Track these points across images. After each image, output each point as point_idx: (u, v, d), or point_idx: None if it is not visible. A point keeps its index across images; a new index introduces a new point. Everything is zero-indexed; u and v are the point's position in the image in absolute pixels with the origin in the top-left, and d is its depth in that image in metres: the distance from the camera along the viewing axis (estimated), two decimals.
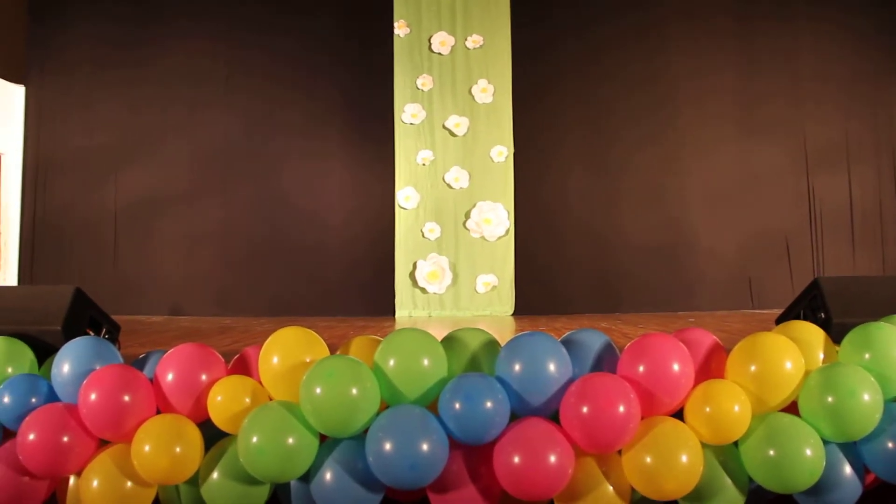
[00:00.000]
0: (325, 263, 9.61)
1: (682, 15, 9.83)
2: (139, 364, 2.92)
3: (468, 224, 9.68)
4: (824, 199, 9.58)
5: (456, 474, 2.59)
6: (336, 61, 9.81)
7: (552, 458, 2.48)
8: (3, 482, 2.75)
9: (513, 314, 9.52)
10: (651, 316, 8.42)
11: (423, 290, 9.62)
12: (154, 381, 2.77)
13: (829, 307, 3.12)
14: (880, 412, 2.57)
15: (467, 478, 2.59)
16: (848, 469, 2.64)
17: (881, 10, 9.70)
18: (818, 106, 9.67)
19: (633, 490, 2.60)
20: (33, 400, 2.81)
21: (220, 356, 2.86)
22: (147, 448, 2.61)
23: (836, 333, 2.85)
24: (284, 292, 9.54)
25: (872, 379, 2.59)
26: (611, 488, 2.59)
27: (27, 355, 2.99)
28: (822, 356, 2.75)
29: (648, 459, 2.52)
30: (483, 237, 9.67)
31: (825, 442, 2.58)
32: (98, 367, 2.76)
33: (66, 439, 2.67)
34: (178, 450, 2.62)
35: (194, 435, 2.69)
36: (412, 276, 9.63)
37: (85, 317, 3.24)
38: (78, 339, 2.92)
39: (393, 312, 9.55)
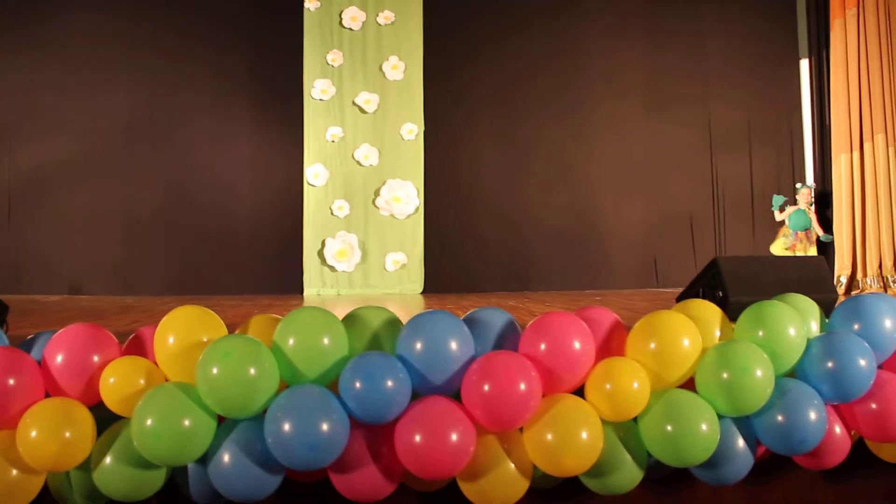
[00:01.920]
0: (233, 241, 9.42)
1: None
2: (26, 346, 2.79)
3: (378, 202, 9.62)
4: (727, 180, 9.85)
5: (357, 454, 2.56)
6: (244, 35, 9.58)
7: (454, 437, 2.47)
8: None
9: (422, 292, 9.53)
10: (558, 294, 8.53)
11: (332, 269, 9.53)
12: (42, 364, 2.65)
13: (726, 286, 3.20)
14: (771, 387, 2.65)
15: (369, 457, 2.57)
16: (741, 442, 2.71)
17: None
18: (723, 86, 9.91)
19: (535, 467, 2.62)
20: None
21: (114, 336, 2.76)
22: (34, 433, 2.49)
23: (733, 311, 2.91)
24: (190, 271, 9.32)
25: (765, 355, 2.66)
26: (512, 466, 2.61)
27: None
28: (718, 333, 2.81)
29: (549, 437, 2.53)
30: (392, 215, 9.63)
31: (719, 416, 2.65)
32: None
33: None
34: (67, 434, 2.51)
35: (85, 418, 2.58)
36: (321, 253, 9.54)
37: None
38: None
39: (301, 291, 9.45)
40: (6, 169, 9.16)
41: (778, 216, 9.15)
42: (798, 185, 9.22)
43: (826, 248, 8.90)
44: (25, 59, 9.32)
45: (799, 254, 8.89)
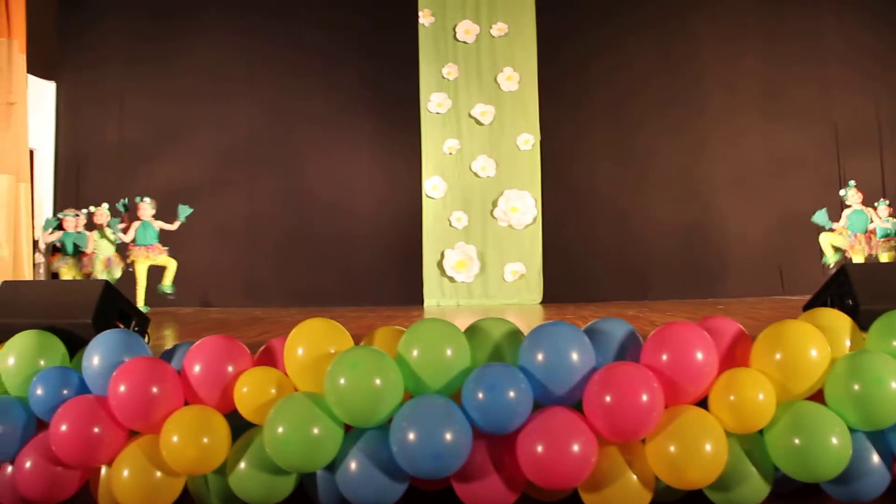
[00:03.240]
0: (354, 253, 9.64)
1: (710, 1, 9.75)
2: (167, 356, 2.96)
3: (495, 213, 9.67)
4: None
5: (480, 464, 2.60)
6: (361, 52, 9.83)
7: (575, 448, 2.48)
8: (36, 472, 2.80)
9: (541, 302, 9.51)
10: (679, 303, 8.38)
11: (451, 280, 9.64)
12: (182, 373, 2.81)
13: (856, 294, 3.08)
14: None
15: (491, 467, 2.60)
16: (875, 458, 2.61)
17: None
18: (846, 82, 9.53)
19: (657, 479, 2.60)
20: (65, 392, 2.86)
21: (246, 347, 2.89)
22: (175, 439, 2.65)
23: (863, 320, 2.82)
24: (313, 282, 9.59)
25: None
26: (635, 477, 2.59)
27: (59, 348, 3.04)
28: (848, 343, 2.72)
29: (672, 448, 2.51)
30: (510, 225, 9.66)
31: (852, 430, 2.56)
32: (127, 360, 2.81)
33: (96, 430, 2.72)
34: (205, 440, 2.65)
35: (221, 426, 2.72)
36: (440, 265, 9.65)
37: (114, 310, 3.28)
38: (107, 331, 2.97)
39: (421, 301, 9.58)
40: (143, 189, 9.63)
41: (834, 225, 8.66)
42: (846, 188, 8.67)
43: None
44: (159, 81, 9.82)
45: (856, 259, 8.32)
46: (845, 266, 3.21)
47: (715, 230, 9.03)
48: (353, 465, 2.59)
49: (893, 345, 2.64)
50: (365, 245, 9.41)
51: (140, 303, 8.27)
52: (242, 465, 2.70)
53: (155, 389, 2.71)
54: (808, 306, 3.35)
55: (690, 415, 2.57)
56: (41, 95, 9.80)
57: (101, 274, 8.29)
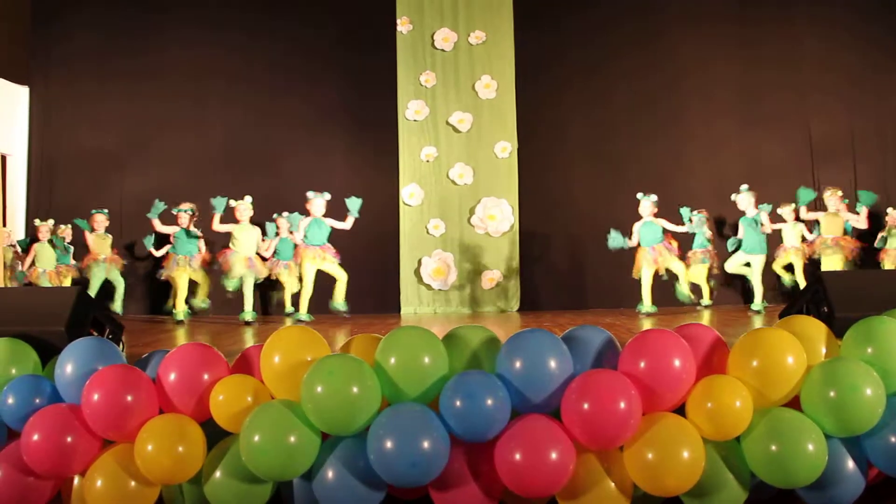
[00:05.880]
0: None
1: (685, 7, 9.80)
2: (142, 364, 2.93)
3: (473, 220, 9.67)
4: None
5: (457, 472, 2.60)
6: (339, 59, 9.79)
7: (553, 455, 2.48)
8: (8, 483, 2.76)
9: (518, 310, 9.51)
10: (657, 311, 8.40)
11: (429, 287, 9.62)
12: (157, 381, 2.78)
13: (831, 302, 3.11)
14: (883, 406, 2.57)
15: (469, 475, 2.60)
16: (851, 464, 2.64)
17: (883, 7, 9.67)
18: (822, 94, 9.61)
19: (635, 486, 2.60)
20: (37, 401, 2.82)
21: (223, 356, 2.87)
22: (150, 448, 2.62)
23: (838, 328, 2.84)
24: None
25: (874, 373, 2.59)
26: (612, 485, 2.60)
27: (31, 356, 3.00)
28: (824, 351, 2.74)
29: (650, 455, 2.52)
30: (488, 233, 9.66)
31: (828, 437, 2.58)
32: (101, 368, 2.77)
33: (69, 440, 2.69)
34: (180, 449, 2.63)
35: (197, 434, 2.70)
36: (417, 272, 9.63)
37: (88, 317, 3.25)
38: (81, 339, 2.94)
39: (398, 309, 9.56)
40: (118, 194, 9.55)
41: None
42: (643, 196, 8.54)
43: None
44: (133, 86, 9.72)
45: (647, 271, 8.15)
46: (821, 274, 3.24)
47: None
48: (330, 474, 2.58)
49: (868, 352, 2.67)
50: (341, 252, 9.34)
51: (304, 309, 7.85)
52: (218, 473, 2.68)
53: (129, 398, 2.68)
54: (784, 314, 3.37)
55: (668, 422, 2.58)
56: (13, 100, 9.70)
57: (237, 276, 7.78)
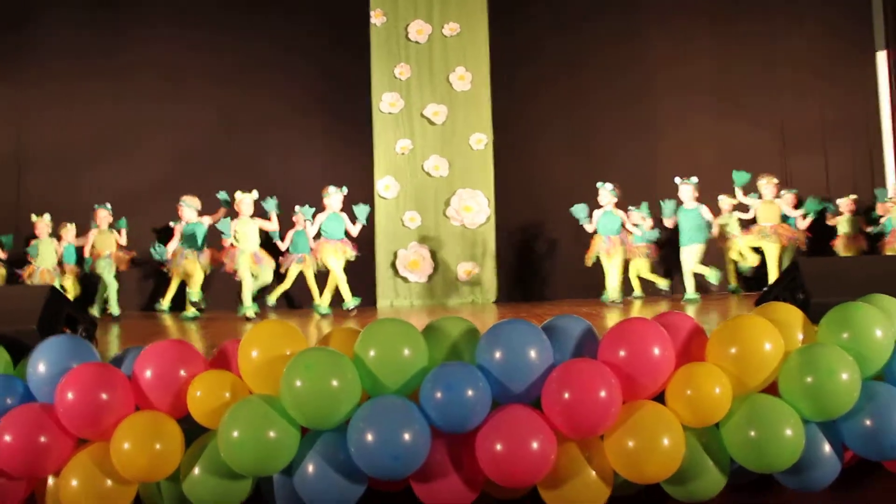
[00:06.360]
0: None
1: (660, 1, 9.85)
2: (117, 361, 2.89)
3: (448, 212, 9.66)
4: (801, 182, 9.57)
5: (439, 463, 2.59)
6: (312, 52, 9.72)
7: (534, 445, 2.48)
8: None
9: (495, 301, 9.52)
10: (633, 301, 8.43)
11: (405, 280, 9.60)
12: (132, 378, 2.74)
13: (807, 288, 3.13)
14: (858, 391, 2.59)
15: (450, 466, 2.59)
16: (827, 447, 2.66)
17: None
18: (795, 84, 9.71)
19: (616, 474, 2.61)
20: (8, 401, 2.77)
21: (199, 351, 2.84)
22: (126, 446, 2.58)
23: (815, 314, 2.86)
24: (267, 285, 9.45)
25: (850, 358, 2.61)
26: (594, 473, 2.60)
27: (2, 356, 2.95)
28: (801, 337, 2.76)
29: (630, 443, 2.52)
30: (464, 225, 9.65)
31: (805, 421, 2.60)
32: (74, 366, 2.73)
33: (43, 439, 2.65)
34: (157, 446, 2.60)
35: (174, 431, 2.67)
36: (393, 265, 9.62)
37: (61, 315, 3.20)
38: (53, 337, 2.89)
39: (374, 302, 9.53)
40: (88, 191, 9.42)
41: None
42: (602, 186, 8.68)
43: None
44: (105, 83, 9.60)
45: (608, 262, 8.33)
46: (797, 260, 3.26)
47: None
48: (310, 468, 2.56)
49: (844, 337, 2.69)
50: None
51: (348, 296, 7.90)
52: (196, 470, 2.65)
53: (104, 395, 2.64)
54: (761, 301, 3.40)
55: (648, 410, 2.59)
56: None
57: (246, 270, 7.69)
